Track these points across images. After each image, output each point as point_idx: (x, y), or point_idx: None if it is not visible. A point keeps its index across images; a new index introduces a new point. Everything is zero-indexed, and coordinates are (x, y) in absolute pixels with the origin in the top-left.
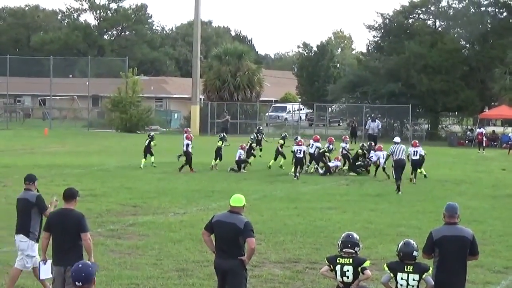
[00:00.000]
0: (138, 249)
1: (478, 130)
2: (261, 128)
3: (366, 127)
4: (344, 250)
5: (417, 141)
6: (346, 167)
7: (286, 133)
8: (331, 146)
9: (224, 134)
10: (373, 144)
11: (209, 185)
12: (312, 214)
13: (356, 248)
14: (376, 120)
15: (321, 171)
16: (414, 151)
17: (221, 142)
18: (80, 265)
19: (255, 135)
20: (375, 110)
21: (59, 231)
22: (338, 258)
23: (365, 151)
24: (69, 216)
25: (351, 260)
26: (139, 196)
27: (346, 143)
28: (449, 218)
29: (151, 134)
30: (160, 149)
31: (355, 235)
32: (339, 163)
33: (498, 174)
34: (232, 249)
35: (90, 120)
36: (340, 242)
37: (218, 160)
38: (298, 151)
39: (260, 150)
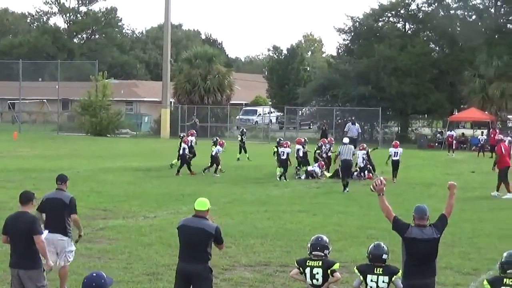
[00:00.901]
0: (108, 253)
1: (448, 132)
2: (244, 130)
3: (346, 129)
4: (313, 252)
5: (398, 142)
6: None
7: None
8: (320, 143)
9: (217, 138)
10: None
11: (179, 189)
12: (282, 217)
13: (325, 250)
14: (356, 123)
15: (303, 176)
16: (395, 152)
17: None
18: (94, 274)
19: (240, 138)
20: (345, 113)
21: (14, 234)
22: (308, 261)
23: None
24: (22, 219)
25: (320, 262)
26: (109, 200)
27: (331, 145)
28: (418, 220)
29: (182, 136)
30: (130, 153)
31: (325, 238)
32: (318, 170)
33: (468, 177)
34: (200, 254)
35: (60, 123)
36: (309, 245)
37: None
38: (282, 153)
39: (245, 152)
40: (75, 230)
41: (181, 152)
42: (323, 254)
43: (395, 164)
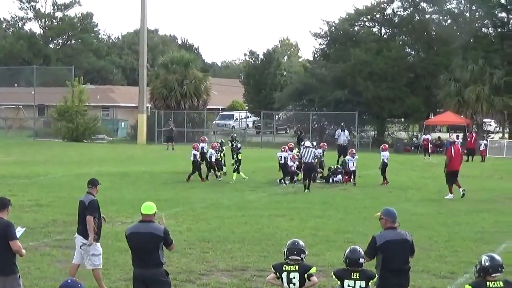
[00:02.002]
0: None
1: (424, 136)
2: (235, 135)
3: (335, 136)
4: (290, 257)
5: (386, 145)
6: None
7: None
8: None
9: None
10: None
11: (156, 194)
12: (259, 222)
13: (302, 255)
14: (345, 130)
15: (287, 182)
16: (387, 156)
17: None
18: (69, 281)
19: (230, 144)
20: (322, 118)
21: None
22: (284, 266)
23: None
24: None
25: (297, 267)
26: None
27: (323, 150)
28: (391, 223)
29: (220, 141)
30: (106, 158)
31: (301, 242)
32: (290, 162)
33: (444, 180)
34: (153, 258)
35: (36, 129)
36: (286, 249)
37: (219, 170)
38: (280, 157)
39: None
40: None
41: (192, 158)
42: (299, 258)
43: (386, 167)
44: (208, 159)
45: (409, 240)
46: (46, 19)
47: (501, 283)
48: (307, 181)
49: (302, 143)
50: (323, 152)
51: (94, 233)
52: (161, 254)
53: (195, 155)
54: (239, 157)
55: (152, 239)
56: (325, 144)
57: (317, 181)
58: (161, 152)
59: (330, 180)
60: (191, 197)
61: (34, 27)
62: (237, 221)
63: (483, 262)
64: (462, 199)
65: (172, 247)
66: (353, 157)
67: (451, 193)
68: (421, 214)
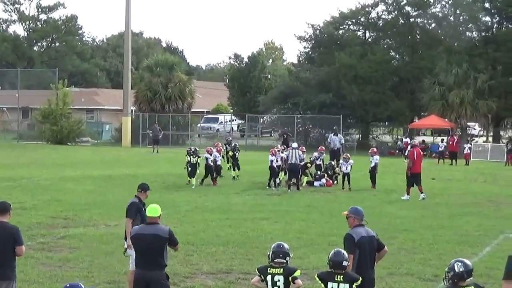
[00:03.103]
0: (69, 262)
1: (404, 139)
2: (230, 138)
3: (328, 140)
4: (274, 260)
5: (375, 149)
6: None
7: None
8: (318, 155)
9: (196, 148)
10: (333, 163)
11: None
12: (244, 225)
13: (286, 257)
14: (338, 134)
15: (274, 189)
16: (378, 159)
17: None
18: (68, 285)
19: (225, 147)
20: (306, 121)
21: None
22: (269, 268)
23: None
24: (3, 230)
25: (281, 270)
26: (70, 209)
27: (320, 154)
28: (360, 221)
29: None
30: (91, 161)
31: (285, 245)
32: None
33: (428, 184)
34: (156, 260)
35: (20, 132)
36: (270, 252)
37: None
38: (270, 161)
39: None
40: None
41: (205, 162)
42: (284, 261)
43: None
44: (217, 164)
45: (375, 237)
46: (30, 22)
47: (472, 287)
48: (291, 181)
49: (283, 146)
50: (320, 156)
51: (127, 235)
52: (165, 256)
53: (207, 159)
54: (198, 161)
55: (157, 241)
56: (323, 148)
57: (303, 185)
58: (145, 154)
59: (314, 184)
60: (176, 200)
61: (18, 29)
62: (222, 224)
63: (457, 269)
64: (447, 203)
65: (177, 247)
66: (347, 161)
67: (408, 194)
68: (406, 217)
